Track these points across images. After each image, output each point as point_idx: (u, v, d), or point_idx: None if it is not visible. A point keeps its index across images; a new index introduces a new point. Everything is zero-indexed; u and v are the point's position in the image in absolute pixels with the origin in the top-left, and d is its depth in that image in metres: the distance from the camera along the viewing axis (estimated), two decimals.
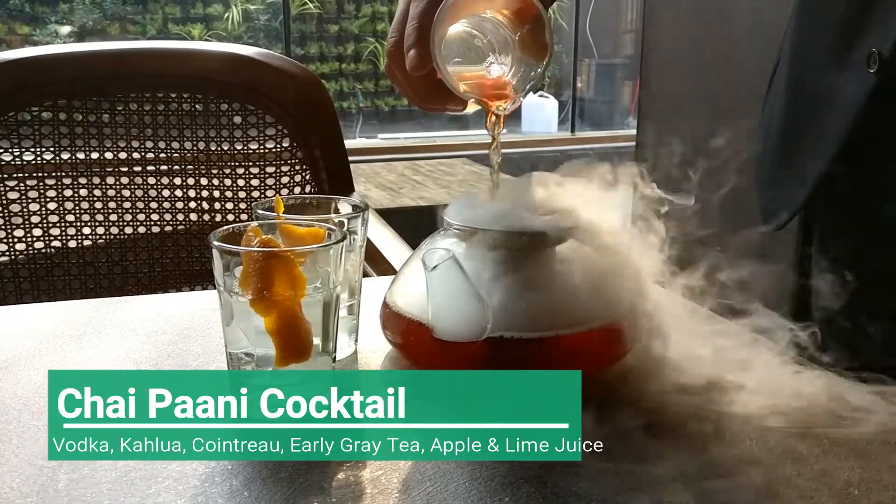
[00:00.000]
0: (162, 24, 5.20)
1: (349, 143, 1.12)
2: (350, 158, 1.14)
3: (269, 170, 1.09)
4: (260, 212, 0.54)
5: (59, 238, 1.03)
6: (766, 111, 0.73)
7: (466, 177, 4.33)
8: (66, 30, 4.87)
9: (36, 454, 0.43)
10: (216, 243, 0.46)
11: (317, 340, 0.48)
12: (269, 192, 1.09)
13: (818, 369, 0.53)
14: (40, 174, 1.02)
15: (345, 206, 0.58)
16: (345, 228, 0.53)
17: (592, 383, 0.52)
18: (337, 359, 0.51)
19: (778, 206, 0.69)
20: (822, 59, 0.65)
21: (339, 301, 0.49)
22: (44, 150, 1.02)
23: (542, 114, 6.46)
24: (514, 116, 6.67)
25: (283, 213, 0.55)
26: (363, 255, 0.57)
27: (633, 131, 2.10)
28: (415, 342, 0.52)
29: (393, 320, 0.54)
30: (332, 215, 0.58)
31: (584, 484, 0.41)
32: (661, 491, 0.41)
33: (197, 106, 1.06)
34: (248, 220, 0.49)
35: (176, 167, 1.07)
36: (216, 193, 1.07)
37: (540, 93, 6.70)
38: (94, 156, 1.03)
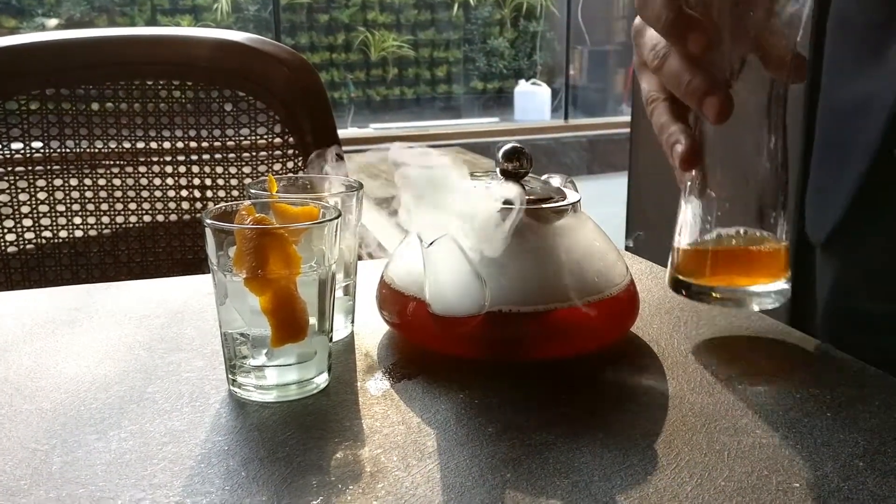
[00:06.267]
0: (150, 14, 5.16)
1: (341, 134, 1.11)
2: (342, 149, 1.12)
3: (262, 157, 1.08)
4: (253, 191, 0.53)
5: (50, 228, 1.02)
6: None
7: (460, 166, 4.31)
8: (53, 22, 4.83)
9: (28, 437, 0.43)
10: (209, 221, 0.45)
11: (313, 320, 0.47)
12: None
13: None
14: (30, 165, 1.00)
15: (338, 186, 0.58)
16: (339, 207, 0.52)
17: (592, 358, 0.52)
18: (333, 339, 0.50)
19: (818, 222, 0.66)
20: (851, 67, 0.63)
21: (334, 280, 0.48)
22: (33, 139, 1.01)
23: (534, 101, 6.45)
24: (507, 104, 6.66)
25: (277, 192, 0.54)
26: (358, 234, 0.56)
27: (628, 118, 2.09)
28: (412, 320, 0.52)
29: (390, 298, 0.53)
30: (326, 194, 0.57)
31: (585, 459, 0.41)
32: (662, 466, 0.40)
33: (187, 93, 1.05)
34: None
35: (167, 156, 1.05)
36: (208, 182, 1.06)
37: (532, 80, 6.69)
38: (84, 145, 1.02)
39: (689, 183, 0.51)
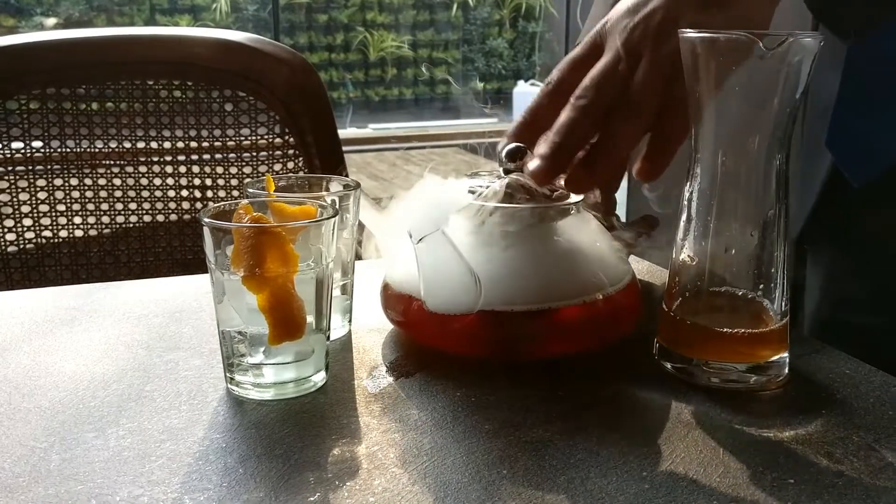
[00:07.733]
0: (149, 14, 5.16)
1: (340, 133, 1.11)
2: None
3: (262, 157, 1.08)
4: (251, 190, 0.54)
5: (50, 228, 1.02)
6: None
7: (458, 165, 4.34)
8: (51, 21, 4.83)
9: (27, 435, 0.43)
10: (207, 220, 0.46)
11: (310, 318, 0.47)
12: None
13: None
14: (30, 164, 1.01)
15: (336, 185, 0.58)
16: (336, 206, 0.52)
17: (590, 356, 0.52)
18: (331, 339, 0.50)
19: (863, 159, 0.61)
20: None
21: (332, 279, 0.49)
22: (33, 138, 1.01)
23: None
24: (506, 105, 6.66)
25: (274, 191, 0.54)
26: (355, 233, 0.57)
27: None
28: (411, 318, 0.52)
29: (390, 296, 0.53)
30: (324, 193, 0.57)
31: (582, 456, 0.41)
32: (658, 463, 0.41)
33: (187, 93, 1.05)
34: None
35: (167, 156, 1.06)
36: (208, 182, 1.06)
37: (531, 81, 6.69)
38: (85, 145, 1.02)
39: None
